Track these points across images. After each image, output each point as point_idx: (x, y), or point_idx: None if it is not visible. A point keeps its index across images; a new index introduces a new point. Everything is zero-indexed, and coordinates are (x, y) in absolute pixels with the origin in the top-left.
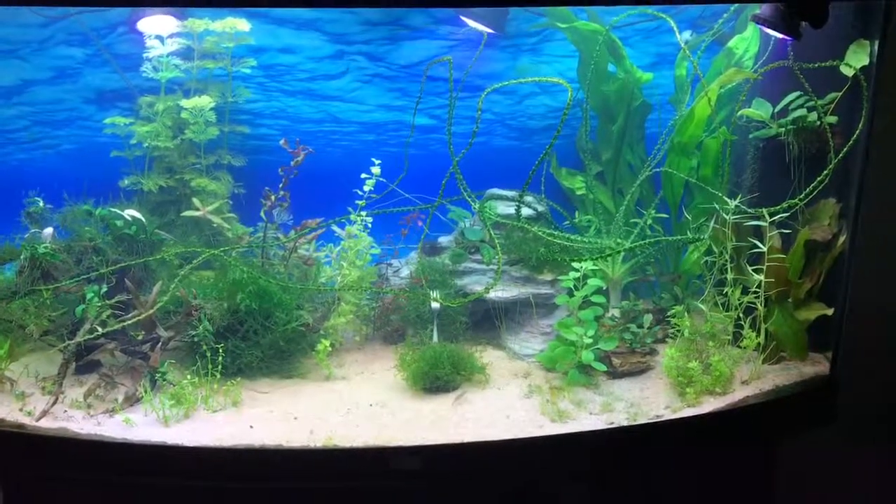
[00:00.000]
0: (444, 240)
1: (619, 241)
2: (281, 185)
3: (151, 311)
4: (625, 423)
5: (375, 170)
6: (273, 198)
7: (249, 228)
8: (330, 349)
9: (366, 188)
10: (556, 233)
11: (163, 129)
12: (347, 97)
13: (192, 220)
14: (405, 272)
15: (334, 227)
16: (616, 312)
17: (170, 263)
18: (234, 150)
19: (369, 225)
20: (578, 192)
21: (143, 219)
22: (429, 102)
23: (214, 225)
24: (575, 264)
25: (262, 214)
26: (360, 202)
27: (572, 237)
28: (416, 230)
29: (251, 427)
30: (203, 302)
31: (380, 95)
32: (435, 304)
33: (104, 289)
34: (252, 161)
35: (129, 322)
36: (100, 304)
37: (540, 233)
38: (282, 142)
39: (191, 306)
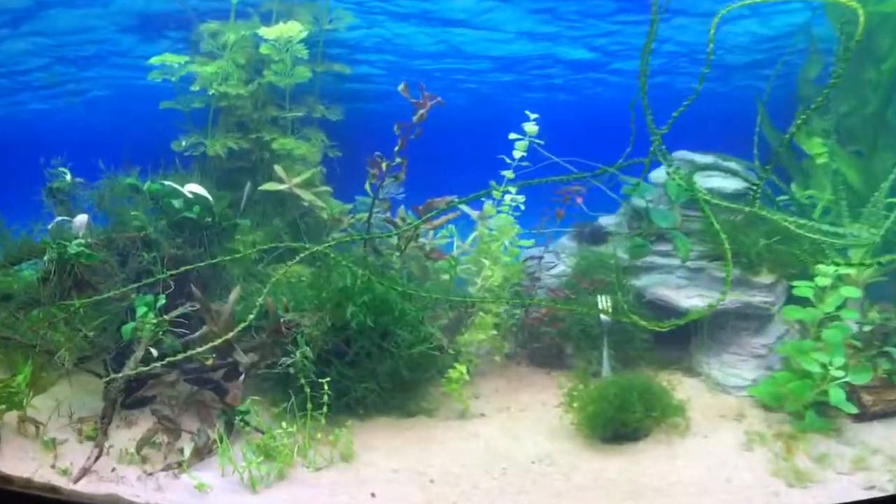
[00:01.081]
0: (606, 221)
1: (872, 230)
2: (396, 149)
3: (230, 335)
4: (891, 489)
5: (531, 127)
6: (384, 165)
7: (348, 205)
8: (467, 378)
9: (516, 154)
10: (795, 220)
11: (233, 69)
12: (477, 22)
13: (273, 195)
14: (559, 268)
15: (464, 208)
16: (857, 328)
17: (246, 257)
18: (328, 97)
19: (521, 207)
20: (819, 160)
21: (209, 196)
22: (587, 28)
23: (304, 203)
24: (823, 267)
25: (366, 187)
26: (506, 173)
27: (818, 226)
28: (569, 209)
29: (373, 496)
30: (298, 316)
31: (520, 19)
32: (605, 316)
33: (161, 300)
34: (349, 111)
35: (199, 348)
36: (155, 320)
37: (785, 222)
38: (401, 87)
39: (280, 322)
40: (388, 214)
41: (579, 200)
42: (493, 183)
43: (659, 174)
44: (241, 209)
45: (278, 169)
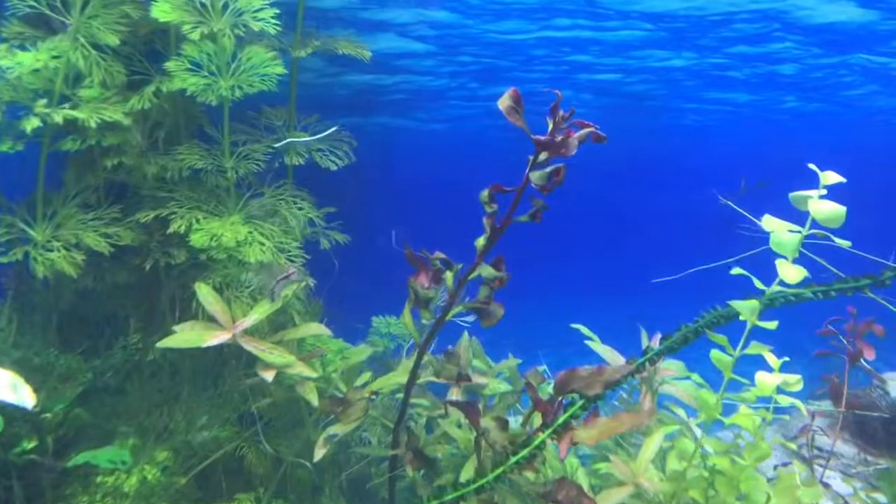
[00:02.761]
0: None
1: None
2: (482, 242)
3: None
4: None
5: (821, 207)
6: (450, 276)
7: (364, 350)
8: None
9: (785, 272)
10: None
11: (91, 61)
12: None
13: (191, 355)
14: None
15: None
16: None
17: None
18: (323, 111)
19: (801, 408)
20: None
21: (30, 393)
22: None
23: (266, 375)
24: None
25: (404, 318)
26: (746, 311)
27: None
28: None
29: None
30: None
31: None
32: None
33: None
34: (366, 137)
35: None
36: None
37: None
38: (505, 102)
39: None
40: (455, 383)
41: (870, 354)
42: (723, 341)
43: None
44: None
45: (206, 293)
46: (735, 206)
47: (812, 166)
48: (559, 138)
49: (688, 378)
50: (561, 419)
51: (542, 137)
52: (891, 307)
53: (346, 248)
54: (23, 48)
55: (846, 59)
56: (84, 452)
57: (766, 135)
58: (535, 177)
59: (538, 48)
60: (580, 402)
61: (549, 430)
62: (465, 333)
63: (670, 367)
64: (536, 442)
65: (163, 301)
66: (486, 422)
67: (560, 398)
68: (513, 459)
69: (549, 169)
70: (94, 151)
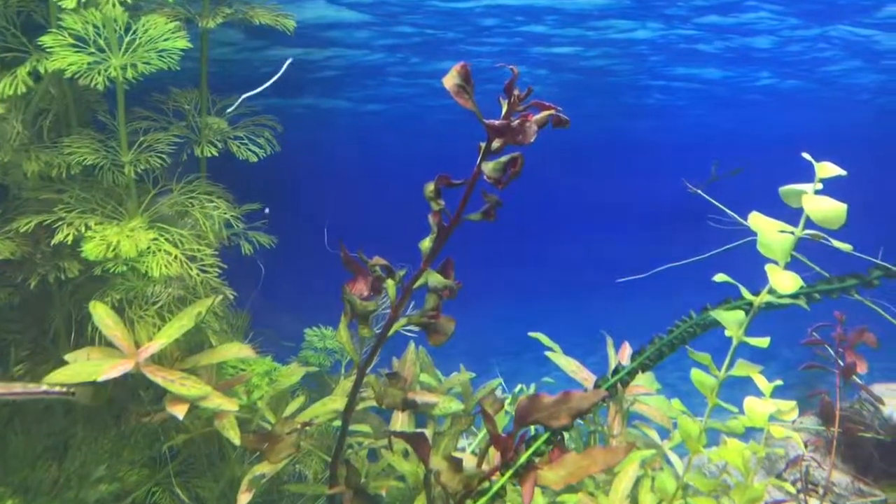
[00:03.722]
0: None
1: None
2: (428, 243)
3: None
4: None
5: (813, 204)
6: (391, 284)
7: (293, 371)
8: None
9: (780, 284)
10: None
11: None
12: None
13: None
14: None
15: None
16: None
17: None
18: (237, 90)
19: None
20: None
21: None
22: None
23: (176, 413)
24: None
25: (339, 333)
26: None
27: None
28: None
29: None
30: None
31: None
32: None
33: None
34: (294, 121)
35: None
36: None
37: None
38: (452, 80)
39: None
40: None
41: (862, 368)
42: (706, 361)
43: None
44: None
45: (103, 314)
46: (707, 197)
47: (806, 156)
48: (516, 123)
49: (658, 392)
50: (522, 457)
51: (496, 122)
52: (878, 309)
53: (271, 252)
54: None
55: (826, 32)
56: None
57: (738, 115)
58: (489, 168)
59: (487, 17)
60: (544, 436)
61: (510, 473)
62: (412, 344)
63: (640, 382)
64: (495, 488)
65: (56, 323)
66: (437, 461)
67: (521, 431)
68: None
69: (504, 158)
70: None
